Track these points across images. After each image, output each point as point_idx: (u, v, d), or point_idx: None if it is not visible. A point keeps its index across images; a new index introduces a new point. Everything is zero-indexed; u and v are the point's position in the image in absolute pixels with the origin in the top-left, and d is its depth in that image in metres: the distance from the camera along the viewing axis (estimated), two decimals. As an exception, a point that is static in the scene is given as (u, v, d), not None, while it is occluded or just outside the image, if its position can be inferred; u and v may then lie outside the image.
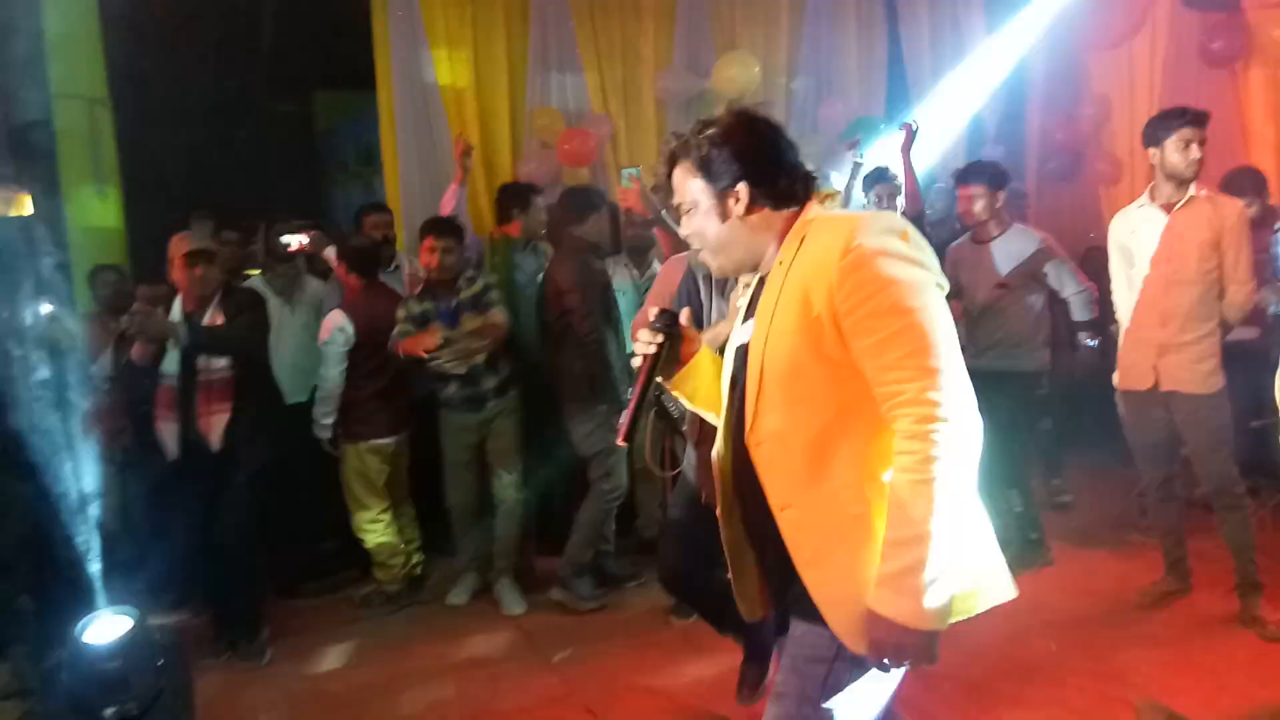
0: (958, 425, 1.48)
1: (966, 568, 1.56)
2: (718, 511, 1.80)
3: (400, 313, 4.04)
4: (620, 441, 1.81)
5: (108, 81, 4.95)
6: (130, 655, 2.64)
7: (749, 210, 1.67)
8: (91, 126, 4.84)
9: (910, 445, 1.48)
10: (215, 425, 3.67)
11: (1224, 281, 3.44)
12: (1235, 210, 3.46)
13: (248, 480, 3.75)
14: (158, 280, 4.17)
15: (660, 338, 1.81)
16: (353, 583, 4.46)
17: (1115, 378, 3.74)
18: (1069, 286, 4.15)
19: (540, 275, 4.33)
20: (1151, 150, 3.47)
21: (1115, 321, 3.81)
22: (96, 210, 4.93)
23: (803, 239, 1.63)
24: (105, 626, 2.65)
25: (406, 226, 5.06)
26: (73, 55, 4.78)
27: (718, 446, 1.79)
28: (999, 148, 6.18)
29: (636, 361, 1.84)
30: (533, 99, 5.46)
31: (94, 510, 3.09)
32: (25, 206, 6.12)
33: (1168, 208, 3.49)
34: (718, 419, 1.84)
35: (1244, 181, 4.33)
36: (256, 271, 4.81)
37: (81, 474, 3.15)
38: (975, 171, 4.20)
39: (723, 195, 1.67)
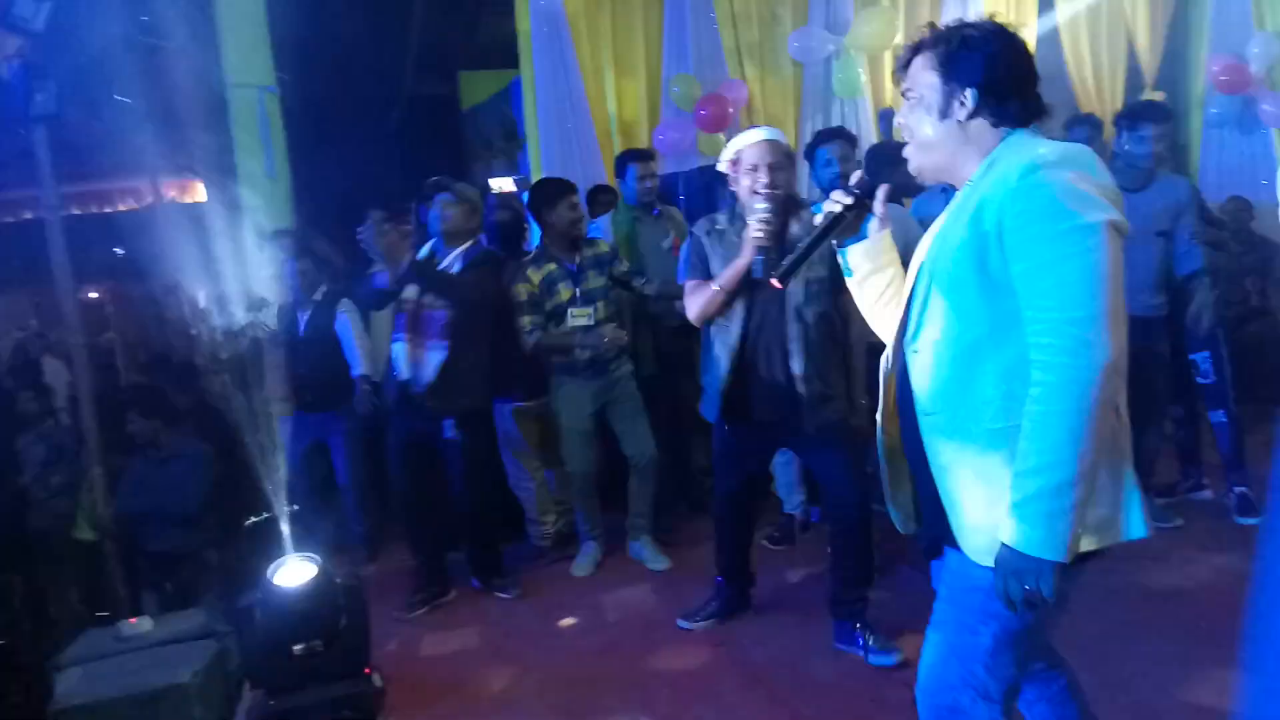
0: (1095, 362, 1.47)
1: (1098, 501, 1.56)
2: (878, 417, 1.85)
3: (523, 285, 4.03)
4: (775, 283, 1.91)
5: (274, 71, 5.30)
6: (316, 597, 2.90)
7: (970, 117, 1.67)
8: (263, 114, 5.18)
9: (1044, 376, 1.51)
10: (428, 361, 3.81)
11: None
12: None
13: (463, 428, 3.90)
14: None
15: (850, 200, 1.87)
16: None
17: None
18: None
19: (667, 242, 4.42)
20: None
21: None
22: (268, 195, 5.29)
23: (996, 160, 1.65)
24: (293, 571, 2.92)
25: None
26: (244, 45, 5.12)
27: (887, 353, 1.84)
28: (1160, 91, 5.84)
29: (818, 218, 1.92)
30: (669, 66, 5.51)
31: (281, 466, 3.37)
32: (199, 194, 6.61)
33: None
34: (884, 324, 1.91)
35: None
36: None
37: (265, 432, 3.43)
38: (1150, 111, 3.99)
39: (950, 94, 1.67)
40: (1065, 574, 1.53)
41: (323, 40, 6.02)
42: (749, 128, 3.20)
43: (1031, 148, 1.60)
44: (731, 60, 5.57)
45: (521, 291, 4.01)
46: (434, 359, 3.81)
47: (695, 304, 3.17)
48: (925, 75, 1.70)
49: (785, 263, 1.93)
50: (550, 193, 4.15)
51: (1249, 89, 5.84)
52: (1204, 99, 6.06)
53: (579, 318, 4.05)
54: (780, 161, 3.04)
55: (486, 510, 4.09)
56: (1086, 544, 1.57)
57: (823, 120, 5.46)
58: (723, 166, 3.11)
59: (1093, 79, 6.01)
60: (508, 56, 5.63)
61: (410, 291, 3.83)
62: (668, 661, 3.38)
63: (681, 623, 3.56)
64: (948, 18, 5.83)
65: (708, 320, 3.18)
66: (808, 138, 5.34)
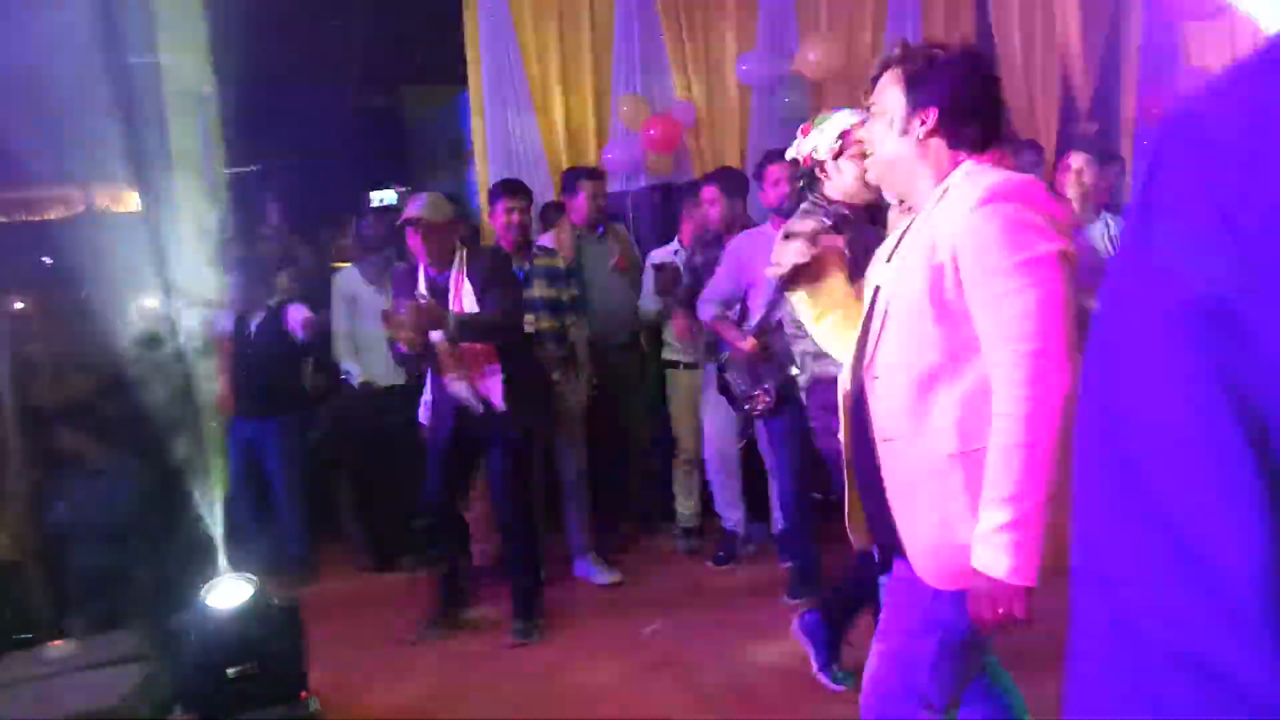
0: (1057, 392, 1.51)
1: (1065, 526, 1.59)
2: (841, 436, 1.88)
3: None
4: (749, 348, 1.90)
5: (214, 78, 5.19)
6: (251, 618, 2.82)
7: (928, 136, 1.70)
8: (201, 122, 5.07)
9: (1009, 409, 1.54)
10: (493, 387, 3.61)
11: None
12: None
13: (519, 447, 3.75)
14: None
15: (815, 252, 1.90)
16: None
17: None
18: None
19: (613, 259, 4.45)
20: None
21: None
22: (205, 204, 5.17)
23: (950, 187, 1.68)
24: (228, 591, 2.84)
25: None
26: (182, 51, 5.01)
27: (845, 378, 1.87)
28: (1093, 125, 6.03)
29: (776, 271, 1.95)
30: (617, 86, 5.53)
31: (217, 483, 3.28)
32: (132, 202, 6.43)
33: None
34: (842, 350, 1.93)
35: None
36: (346, 264, 5.01)
37: (203, 449, 3.34)
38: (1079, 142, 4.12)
39: (913, 112, 1.71)
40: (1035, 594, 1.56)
41: (264, 49, 5.92)
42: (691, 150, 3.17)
43: (983, 178, 1.63)
44: (679, 81, 5.61)
45: None
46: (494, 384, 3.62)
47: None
48: (891, 91, 1.73)
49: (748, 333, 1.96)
50: (490, 196, 4.16)
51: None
52: (1134, 131, 6.27)
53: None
54: None
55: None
56: (1059, 565, 1.60)
57: (769, 144, 5.52)
58: (822, 153, 2.72)
59: (1027, 107, 6.18)
60: (454, 72, 5.60)
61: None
62: (617, 682, 3.36)
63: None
64: (889, 45, 6.01)
65: None
66: (754, 161, 5.42)
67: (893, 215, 2.17)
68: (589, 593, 4.18)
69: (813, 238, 1.94)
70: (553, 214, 4.88)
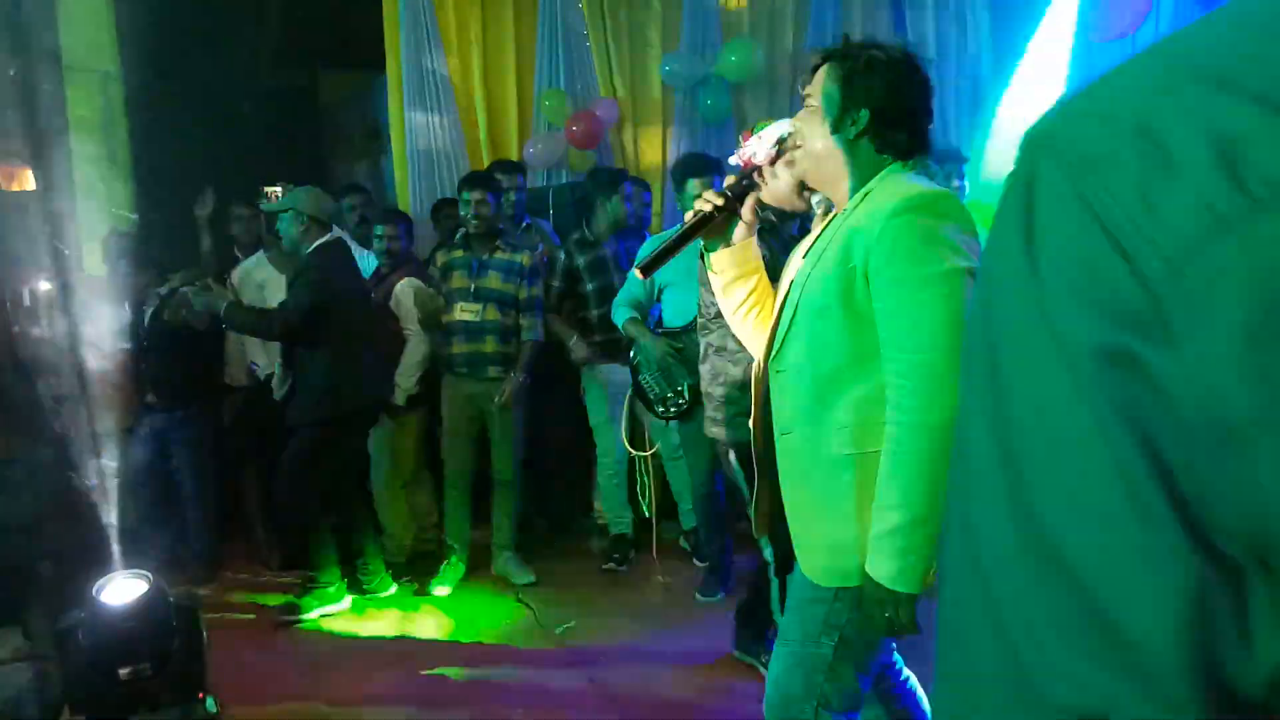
0: (946, 404, 1.54)
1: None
2: (750, 423, 1.89)
3: (432, 267, 4.27)
4: (639, 273, 1.87)
5: (119, 56, 4.99)
6: (146, 616, 2.71)
7: (857, 136, 1.71)
8: (104, 101, 4.86)
9: (898, 416, 1.58)
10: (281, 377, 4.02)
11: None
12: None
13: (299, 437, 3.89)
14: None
15: (720, 201, 1.86)
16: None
17: None
18: None
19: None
20: None
21: None
22: (106, 183, 4.97)
23: (870, 193, 1.69)
24: (122, 588, 2.73)
25: (415, 202, 5.12)
26: (84, 27, 4.80)
27: (756, 366, 1.88)
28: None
29: (688, 215, 1.90)
30: (540, 81, 5.49)
31: (112, 475, 3.16)
32: (28, 181, 6.14)
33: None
34: (749, 333, 1.94)
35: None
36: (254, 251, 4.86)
37: (101, 439, 3.21)
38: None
39: (845, 110, 1.71)
40: (926, 599, 1.60)
41: (171, 26, 5.71)
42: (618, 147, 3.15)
43: (904, 187, 1.66)
44: (603, 78, 5.60)
45: (433, 273, 4.22)
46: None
47: None
48: (827, 86, 1.74)
49: (649, 255, 1.94)
50: (459, 186, 4.22)
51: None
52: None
53: (465, 312, 4.05)
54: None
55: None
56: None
57: (690, 144, 5.56)
58: (761, 158, 2.83)
59: (939, 114, 6.34)
60: (371, 55, 5.48)
61: None
62: (523, 677, 3.34)
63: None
64: (810, 50, 6.11)
65: None
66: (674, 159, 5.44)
67: (817, 225, 2.18)
68: (504, 587, 4.17)
69: (727, 193, 1.89)
70: (446, 210, 4.82)
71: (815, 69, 1.78)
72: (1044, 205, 0.41)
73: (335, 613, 3.93)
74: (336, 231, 4.06)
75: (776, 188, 2.49)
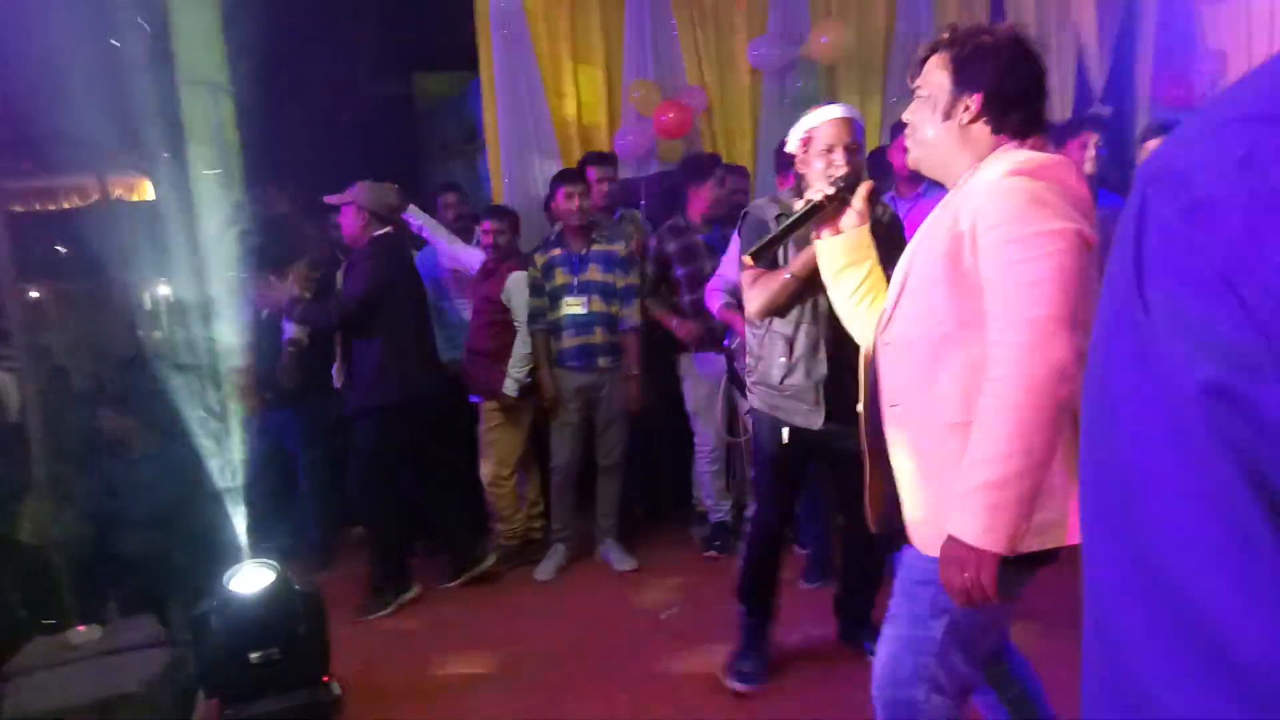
0: (1048, 360, 1.51)
1: (1045, 504, 1.58)
2: (859, 407, 1.88)
3: (530, 270, 4.27)
4: (748, 260, 1.91)
5: (227, 68, 5.20)
6: (273, 604, 2.85)
7: (971, 121, 1.71)
8: (215, 112, 5.08)
9: (998, 371, 1.55)
10: (340, 368, 4.15)
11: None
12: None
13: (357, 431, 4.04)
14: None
15: (832, 191, 1.92)
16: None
17: None
18: None
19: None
20: None
21: None
22: (220, 193, 5.19)
23: (982, 167, 1.69)
24: (250, 577, 2.87)
25: (510, 198, 5.20)
26: (196, 42, 5.02)
27: (866, 347, 1.88)
28: (1107, 107, 5.99)
29: (799, 204, 1.96)
30: (629, 71, 5.52)
31: (239, 469, 3.31)
32: (147, 191, 6.44)
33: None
34: (861, 321, 1.95)
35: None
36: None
37: (226, 436, 3.38)
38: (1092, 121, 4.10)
39: (957, 97, 1.71)
40: (1013, 572, 1.56)
41: (276, 39, 5.92)
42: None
43: (1015, 155, 1.64)
44: (691, 66, 5.59)
45: (533, 273, 4.24)
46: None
47: (761, 295, 2.76)
48: (936, 75, 1.73)
49: (760, 242, 1.95)
50: (552, 182, 4.30)
51: (1193, 106, 6.01)
52: (1149, 115, 6.22)
53: (571, 306, 4.14)
54: (856, 143, 2.70)
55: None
56: (1031, 544, 1.60)
57: (780, 129, 5.51)
58: (792, 147, 2.77)
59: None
60: (464, 58, 5.59)
61: None
62: (630, 662, 3.38)
63: (735, 684, 3.13)
64: (901, 29, 5.98)
65: (776, 312, 2.83)
66: (765, 146, 5.40)
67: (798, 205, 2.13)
68: (607, 574, 4.24)
69: (839, 182, 1.94)
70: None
71: (923, 60, 1.77)
72: (1153, 241, 0.41)
73: (408, 600, 4.07)
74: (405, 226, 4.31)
75: (809, 177, 2.48)
